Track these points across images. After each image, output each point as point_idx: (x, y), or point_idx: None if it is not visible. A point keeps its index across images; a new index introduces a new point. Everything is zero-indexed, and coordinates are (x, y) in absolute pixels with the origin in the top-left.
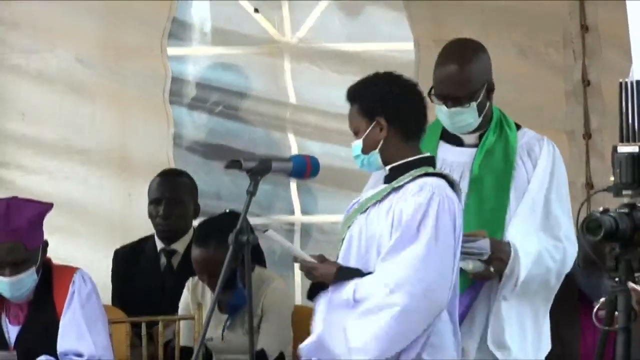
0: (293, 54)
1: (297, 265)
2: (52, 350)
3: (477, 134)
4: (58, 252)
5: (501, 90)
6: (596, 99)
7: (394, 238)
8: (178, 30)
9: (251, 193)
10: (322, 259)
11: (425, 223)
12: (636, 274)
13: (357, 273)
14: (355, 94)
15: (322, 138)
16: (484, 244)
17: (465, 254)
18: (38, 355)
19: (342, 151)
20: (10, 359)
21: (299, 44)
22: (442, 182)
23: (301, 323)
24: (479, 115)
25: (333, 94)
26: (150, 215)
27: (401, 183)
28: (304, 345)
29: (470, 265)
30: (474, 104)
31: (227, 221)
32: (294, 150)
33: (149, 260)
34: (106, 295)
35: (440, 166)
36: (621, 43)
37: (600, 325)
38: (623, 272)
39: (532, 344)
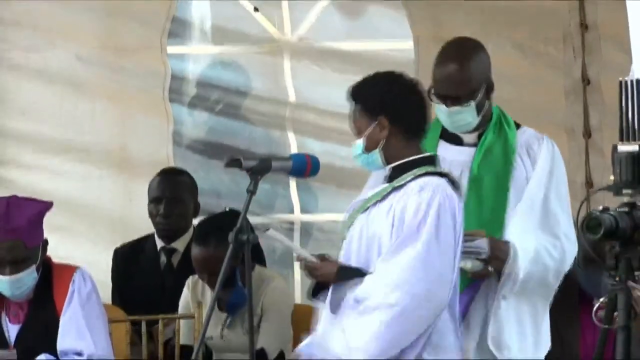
0: (293, 53)
1: (297, 264)
2: (52, 349)
3: (476, 133)
4: (58, 250)
5: (501, 88)
6: (596, 97)
7: (395, 238)
8: (178, 29)
9: (251, 192)
10: (323, 258)
11: (426, 222)
12: (636, 273)
13: (357, 272)
14: (357, 93)
15: (322, 137)
16: (483, 244)
17: (464, 253)
18: (38, 354)
19: (342, 150)
20: (10, 358)
21: (298, 43)
22: (443, 181)
23: (301, 322)
24: (478, 115)
25: (333, 92)
26: (151, 214)
27: (402, 182)
28: (302, 346)
29: (469, 265)
30: (473, 103)
31: (227, 220)
32: (294, 149)
33: (149, 259)
34: (106, 294)
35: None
36: (621, 41)
37: (600, 324)
38: (623, 270)
39: (532, 343)
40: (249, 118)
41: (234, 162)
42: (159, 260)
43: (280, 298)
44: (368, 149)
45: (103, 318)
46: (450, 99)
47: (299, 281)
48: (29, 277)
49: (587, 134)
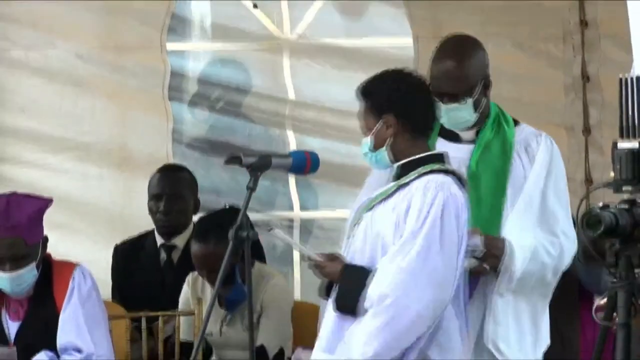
0: (292, 50)
1: (297, 262)
2: (52, 346)
3: (474, 130)
4: (58, 247)
5: (501, 86)
6: (595, 94)
7: (398, 238)
8: (178, 27)
9: (251, 189)
10: (333, 257)
11: (428, 222)
12: (636, 270)
13: (362, 271)
14: (365, 91)
15: (321, 134)
16: (477, 241)
17: None
18: (38, 351)
19: (342, 147)
20: (10, 355)
21: (298, 40)
22: (447, 179)
23: (301, 319)
24: (476, 111)
25: (332, 90)
26: (151, 211)
27: (407, 180)
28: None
29: (465, 263)
30: (470, 100)
31: (227, 217)
32: (293, 146)
33: (148, 256)
34: (106, 291)
35: None
36: (621, 38)
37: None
38: (623, 267)
39: (530, 341)
40: (249, 116)
41: (234, 160)
42: (159, 257)
43: (280, 295)
44: (375, 146)
45: (103, 315)
46: (448, 96)
47: (299, 278)
48: (29, 274)
49: (587, 131)
